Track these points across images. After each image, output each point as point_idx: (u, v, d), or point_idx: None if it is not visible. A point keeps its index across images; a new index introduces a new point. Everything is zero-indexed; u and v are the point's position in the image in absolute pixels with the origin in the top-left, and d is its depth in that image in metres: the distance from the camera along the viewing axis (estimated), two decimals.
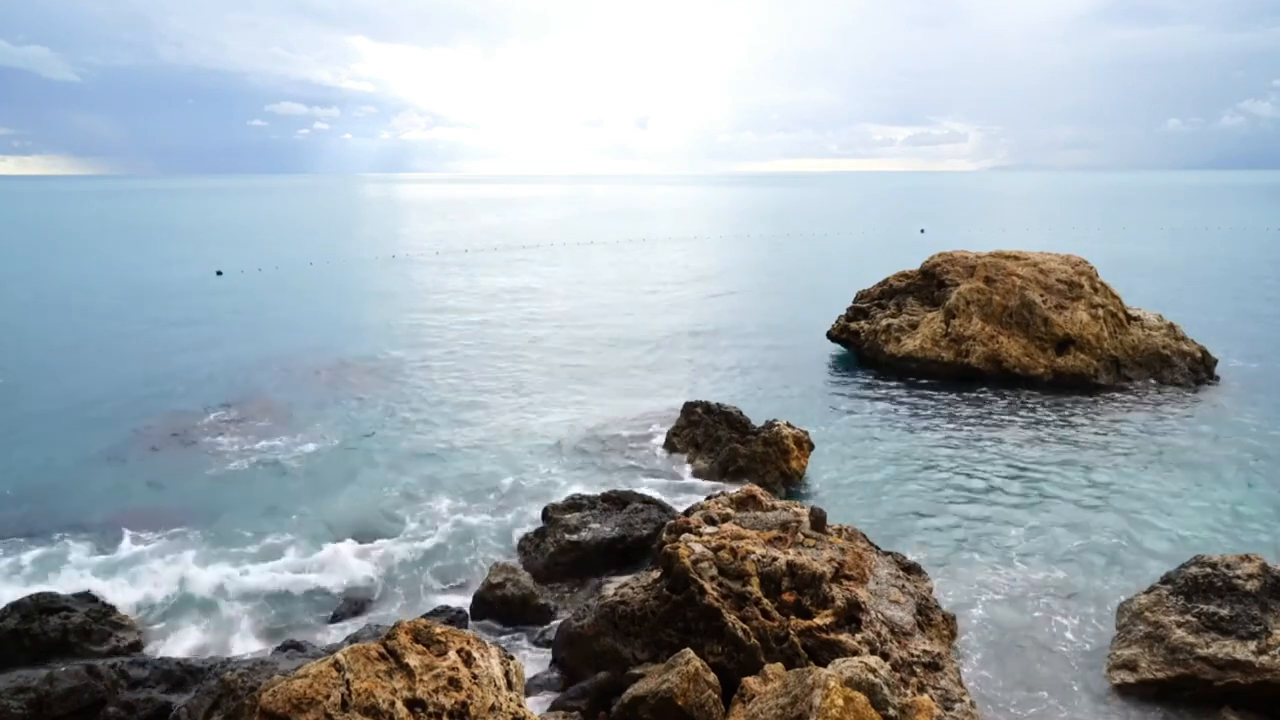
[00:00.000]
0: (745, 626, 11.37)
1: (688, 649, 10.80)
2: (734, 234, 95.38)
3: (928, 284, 32.17)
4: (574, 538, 15.97)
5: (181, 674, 12.08)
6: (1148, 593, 12.83)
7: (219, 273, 59.39)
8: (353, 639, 12.70)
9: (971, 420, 24.10)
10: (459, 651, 9.15)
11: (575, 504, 17.26)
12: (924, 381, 28.08)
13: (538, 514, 17.57)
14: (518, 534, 17.11)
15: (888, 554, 14.36)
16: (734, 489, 15.59)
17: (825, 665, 9.67)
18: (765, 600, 11.74)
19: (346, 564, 16.01)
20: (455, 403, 26.69)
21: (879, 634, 11.60)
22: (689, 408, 21.49)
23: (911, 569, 14.20)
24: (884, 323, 31.56)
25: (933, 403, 25.93)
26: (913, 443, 22.28)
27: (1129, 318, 29.37)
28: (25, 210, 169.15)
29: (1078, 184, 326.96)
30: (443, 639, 9.22)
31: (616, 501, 17.24)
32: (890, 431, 23.28)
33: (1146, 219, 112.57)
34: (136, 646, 13.40)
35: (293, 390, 28.07)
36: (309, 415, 25.16)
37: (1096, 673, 12.32)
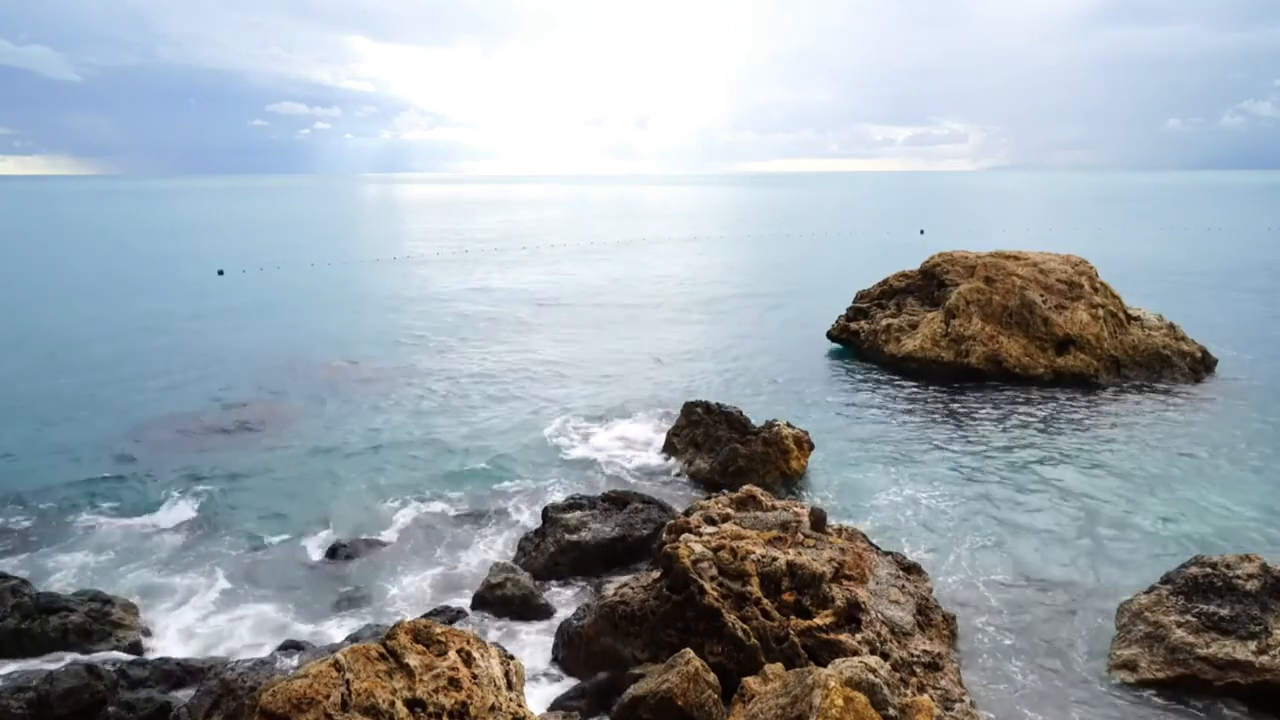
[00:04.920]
0: (745, 626, 11.37)
1: (688, 649, 10.79)
2: (734, 234, 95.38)
3: (928, 284, 32.18)
4: (574, 538, 15.97)
5: (181, 673, 12.10)
6: (1148, 593, 12.83)
7: (220, 272, 59.36)
8: (353, 639, 12.70)
9: (971, 420, 24.09)
10: (459, 651, 9.14)
11: (575, 504, 17.26)
12: (924, 382, 28.07)
13: (538, 514, 17.58)
14: (518, 534, 17.13)
15: (888, 554, 14.36)
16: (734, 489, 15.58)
17: (825, 665, 9.66)
18: (765, 600, 11.74)
19: (346, 563, 16.03)
20: (455, 403, 26.71)
21: (879, 634, 11.60)
22: (689, 408, 21.47)
23: (911, 569, 14.20)
24: (884, 323, 31.56)
25: (933, 403, 25.92)
26: (913, 443, 22.28)
27: (1129, 317, 29.36)
28: (26, 210, 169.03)
29: (1078, 184, 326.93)
30: (443, 639, 9.21)
31: (616, 501, 17.23)
32: (890, 432, 23.27)
33: (1146, 219, 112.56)
34: (136, 646, 13.39)
35: (293, 390, 28.07)
36: (309, 415, 25.17)
37: (1097, 673, 12.32)
